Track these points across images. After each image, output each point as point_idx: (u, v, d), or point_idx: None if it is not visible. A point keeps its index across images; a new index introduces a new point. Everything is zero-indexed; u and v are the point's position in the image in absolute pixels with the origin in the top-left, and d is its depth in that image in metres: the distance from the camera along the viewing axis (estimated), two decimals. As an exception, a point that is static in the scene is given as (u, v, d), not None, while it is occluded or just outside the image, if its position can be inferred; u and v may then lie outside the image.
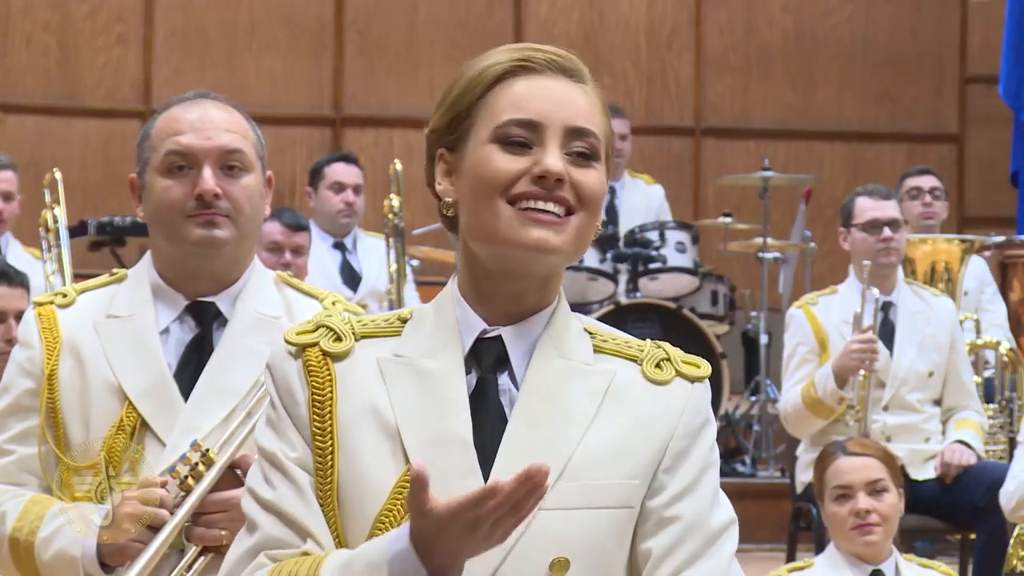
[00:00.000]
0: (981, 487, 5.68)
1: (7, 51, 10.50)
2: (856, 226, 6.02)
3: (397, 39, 10.91)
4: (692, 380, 2.13)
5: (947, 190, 7.90)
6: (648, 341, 2.16)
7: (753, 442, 8.21)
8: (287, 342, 2.10)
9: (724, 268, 9.35)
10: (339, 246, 7.59)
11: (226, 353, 2.87)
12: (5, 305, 4.99)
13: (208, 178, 2.85)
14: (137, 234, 7.88)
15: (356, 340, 2.10)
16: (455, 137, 2.10)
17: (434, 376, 2.06)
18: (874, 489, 4.57)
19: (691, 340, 7.79)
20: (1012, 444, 6.14)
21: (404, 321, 2.13)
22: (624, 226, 8.69)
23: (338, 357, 2.09)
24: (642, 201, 9.10)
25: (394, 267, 7.47)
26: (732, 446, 8.38)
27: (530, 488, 1.86)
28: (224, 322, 2.90)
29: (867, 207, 6.03)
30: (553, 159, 2.05)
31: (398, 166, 7.63)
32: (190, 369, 2.87)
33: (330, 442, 2.04)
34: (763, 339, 8.29)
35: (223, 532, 2.73)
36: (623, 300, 8.18)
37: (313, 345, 2.09)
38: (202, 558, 2.75)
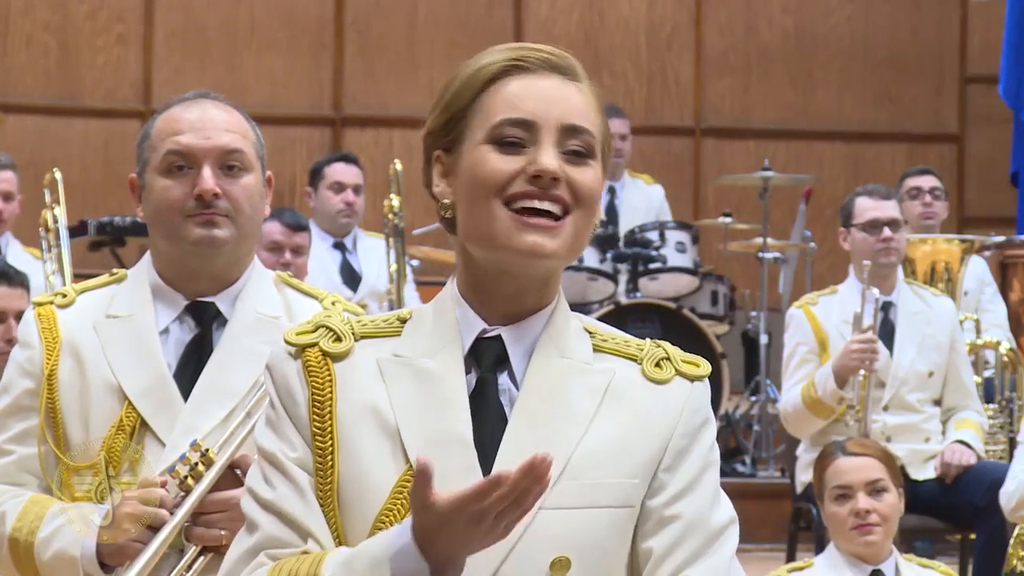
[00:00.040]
0: (981, 487, 5.68)
1: (7, 51, 10.50)
2: (856, 226, 6.01)
3: (397, 39, 10.91)
4: (692, 379, 2.13)
5: (947, 190, 7.89)
6: (648, 340, 2.16)
7: (753, 442, 8.20)
8: (287, 342, 2.09)
9: (724, 268, 9.34)
10: (339, 246, 7.58)
11: (226, 353, 2.87)
12: (5, 305, 4.99)
13: (208, 178, 2.85)
14: (137, 234, 7.88)
15: (356, 340, 2.10)
16: (451, 139, 2.10)
17: (434, 376, 2.06)
18: (874, 489, 4.57)
19: (691, 340, 7.79)
20: (1012, 444, 6.14)
21: (404, 321, 2.13)
22: (624, 226, 8.69)
23: (338, 357, 2.08)
24: (642, 201, 9.11)
25: (394, 267, 7.46)
26: (732, 446, 8.38)
27: (534, 478, 1.86)
28: (224, 322, 2.90)
29: (867, 207, 6.03)
30: (548, 158, 2.04)
31: (398, 166, 7.62)
32: (190, 369, 2.87)
33: (330, 442, 2.04)
34: (763, 339, 8.28)
35: (223, 532, 2.73)
36: (623, 300, 8.18)
37: (313, 345, 2.09)
38: (202, 558, 2.75)
